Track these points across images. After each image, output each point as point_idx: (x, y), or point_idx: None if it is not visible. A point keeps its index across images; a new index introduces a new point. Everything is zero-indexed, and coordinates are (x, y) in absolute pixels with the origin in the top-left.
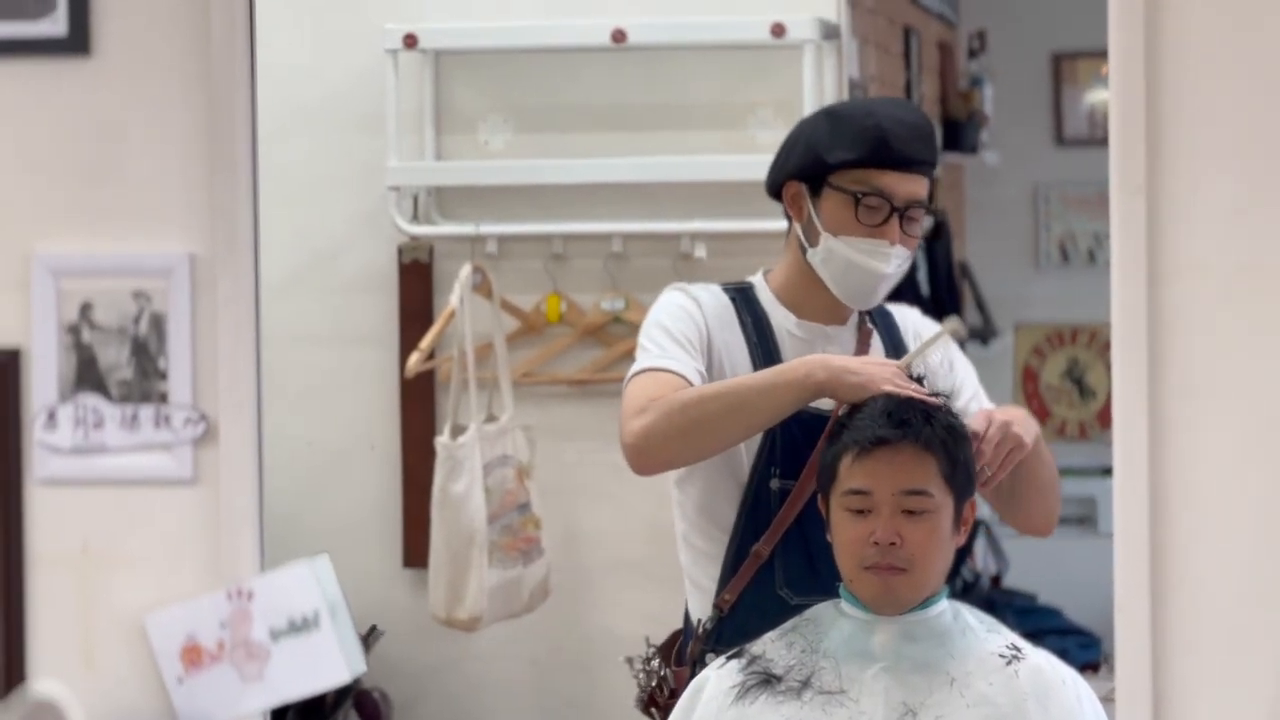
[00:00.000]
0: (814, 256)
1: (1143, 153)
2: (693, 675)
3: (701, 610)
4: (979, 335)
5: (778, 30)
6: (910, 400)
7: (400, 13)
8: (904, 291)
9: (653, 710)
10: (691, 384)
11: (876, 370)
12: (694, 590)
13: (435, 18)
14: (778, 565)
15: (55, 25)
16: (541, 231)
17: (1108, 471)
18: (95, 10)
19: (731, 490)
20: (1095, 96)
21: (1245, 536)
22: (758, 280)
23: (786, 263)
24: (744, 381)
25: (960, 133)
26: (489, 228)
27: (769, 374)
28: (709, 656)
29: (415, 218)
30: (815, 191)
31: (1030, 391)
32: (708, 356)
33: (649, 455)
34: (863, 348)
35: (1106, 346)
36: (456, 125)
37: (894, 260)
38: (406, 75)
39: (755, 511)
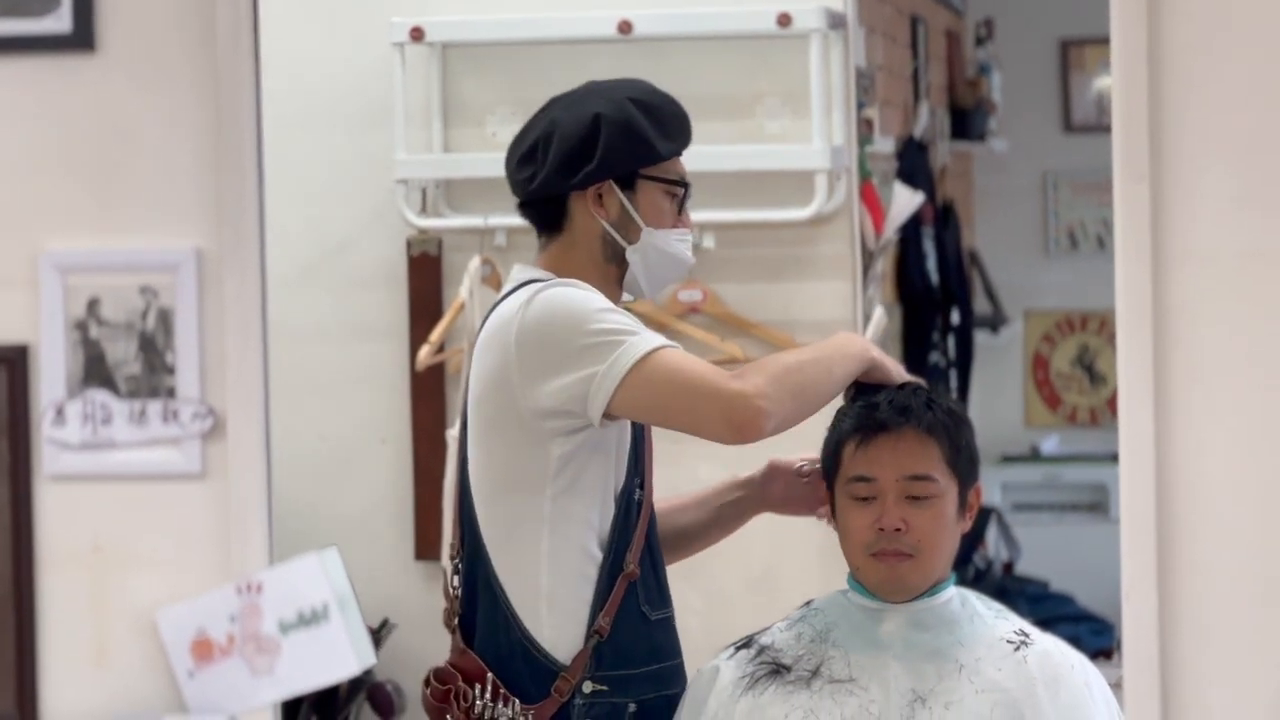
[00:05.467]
0: (633, 254)
1: (1146, 141)
2: (564, 709)
3: (567, 637)
4: (989, 323)
5: (784, 20)
6: (913, 387)
7: (407, 6)
8: (913, 280)
9: None
10: None
11: (893, 362)
12: (554, 614)
13: (442, 10)
14: (638, 581)
15: (60, 22)
16: None
17: (1119, 458)
18: (99, 7)
19: (609, 502)
20: (1103, 83)
21: (1252, 520)
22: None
23: (579, 263)
24: (817, 350)
25: (968, 120)
26: (497, 220)
27: (833, 344)
28: (586, 685)
29: (424, 210)
30: (625, 185)
31: (1041, 379)
32: None
33: (771, 418)
34: None
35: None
36: (464, 118)
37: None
38: (413, 68)
39: (624, 525)
